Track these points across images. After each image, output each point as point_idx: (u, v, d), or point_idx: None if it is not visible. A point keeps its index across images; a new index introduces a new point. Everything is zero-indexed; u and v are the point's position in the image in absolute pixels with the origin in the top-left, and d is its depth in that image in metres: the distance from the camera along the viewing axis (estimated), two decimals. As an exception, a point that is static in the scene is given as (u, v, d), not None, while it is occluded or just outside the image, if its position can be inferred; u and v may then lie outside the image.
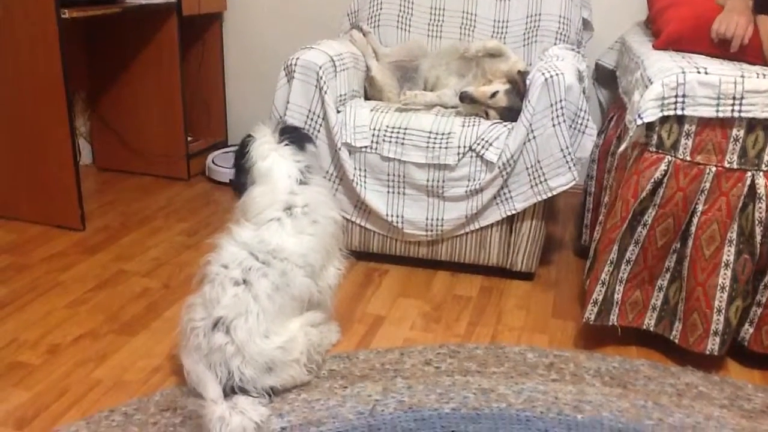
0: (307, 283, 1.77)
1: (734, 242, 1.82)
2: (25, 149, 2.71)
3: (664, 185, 1.84)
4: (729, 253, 1.82)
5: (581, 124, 2.24)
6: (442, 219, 2.38)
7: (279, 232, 1.75)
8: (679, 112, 1.78)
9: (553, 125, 2.19)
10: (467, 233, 2.41)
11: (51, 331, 2.04)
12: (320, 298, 1.85)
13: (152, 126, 3.34)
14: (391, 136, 2.34)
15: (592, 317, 1.97)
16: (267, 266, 1.70)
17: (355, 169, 2.39)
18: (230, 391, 1.65)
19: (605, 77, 2.91)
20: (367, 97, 2.66)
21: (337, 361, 1.92)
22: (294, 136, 1.88)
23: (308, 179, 1.84)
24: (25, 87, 2.62)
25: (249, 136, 1.88)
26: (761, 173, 1.77)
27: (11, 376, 1.82)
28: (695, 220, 1.84)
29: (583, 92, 2.25)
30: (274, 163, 1.82)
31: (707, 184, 1.81)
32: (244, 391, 1.66)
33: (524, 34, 2.78)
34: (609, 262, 1.93)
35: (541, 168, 2.23)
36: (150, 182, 3.35)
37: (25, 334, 2.02)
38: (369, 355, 1.95)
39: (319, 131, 2.37)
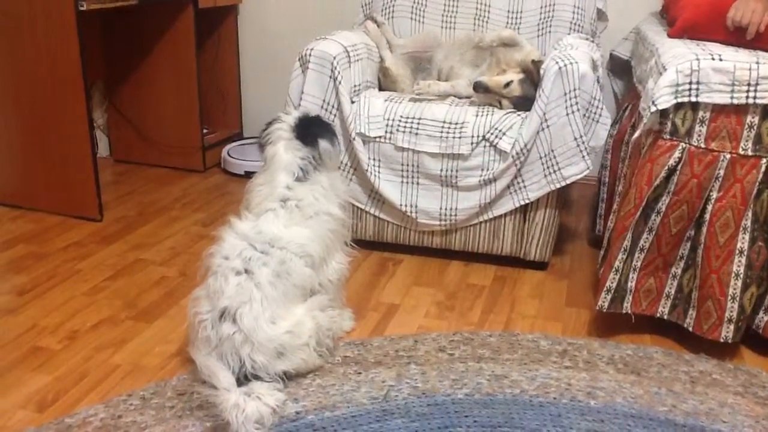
0: (308, 273, 1.78)
1: (749, 229, 1.81)
2: (44, 141, 2.74)
3: (678, 172, 1.84)
4: (743, 240, 1.82)
5: (595, 113, 2.24)
6: (456, 209, 2.38)
7: (275, 223, 1.77)
8: (694, 99, 1.78)
9: (567, 114, 2.19)
10: (481, 223, 2.41)
11: (70, 317, 2.07)
12: (322, 292, 1.86)
13: (168, 118, 3.37)
14: (405, 126, 2.35)
15: (606, 305, 1.97)
16: (266, 255, 1.71)
17: (369, 159, 2.40)
18: (244, 379, 1.66)
19: (620, 68, 2.90)
20: (381, 88, 2.67)
21: (352, 348, 1.93)
22: (305, 130, 1.86)
23: (307, 175, 1.83)
24: (43, 79, 2.65)
25: (278, 116, 1.90)
26: (776, 160, 1.77)
27: (32, 360, 1.86)
28: (709, 207, 1.83)
29: (597, 81, 2.25)
30: (277, 152, 1.84)
31: (721, 171, 1.80)
32: (258, 378, 1.67)
33: (538, 24, 2.78)
34: (623, 249, 1.93)
35: (554, 157, 2.24)
36: (166, 174, 3.39)
37: (45, 320, 2.05)
38: (383, 342, 1.97)
39: (333, 121, 2.38)
